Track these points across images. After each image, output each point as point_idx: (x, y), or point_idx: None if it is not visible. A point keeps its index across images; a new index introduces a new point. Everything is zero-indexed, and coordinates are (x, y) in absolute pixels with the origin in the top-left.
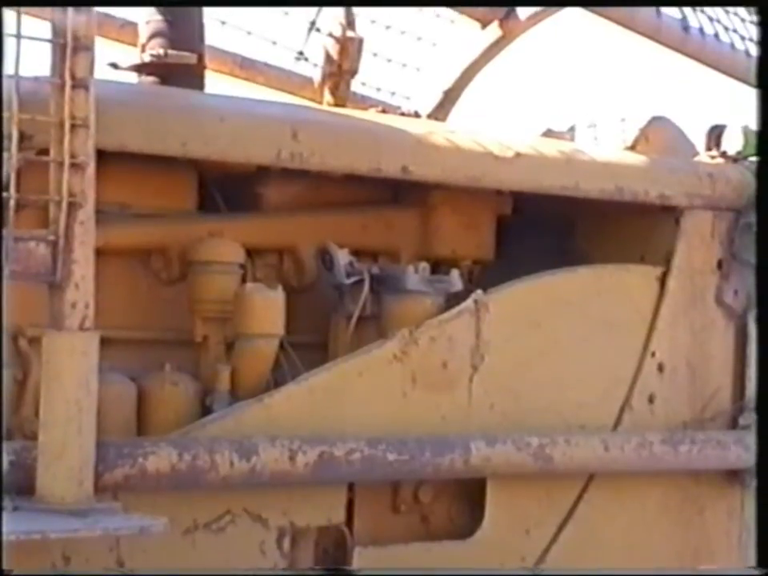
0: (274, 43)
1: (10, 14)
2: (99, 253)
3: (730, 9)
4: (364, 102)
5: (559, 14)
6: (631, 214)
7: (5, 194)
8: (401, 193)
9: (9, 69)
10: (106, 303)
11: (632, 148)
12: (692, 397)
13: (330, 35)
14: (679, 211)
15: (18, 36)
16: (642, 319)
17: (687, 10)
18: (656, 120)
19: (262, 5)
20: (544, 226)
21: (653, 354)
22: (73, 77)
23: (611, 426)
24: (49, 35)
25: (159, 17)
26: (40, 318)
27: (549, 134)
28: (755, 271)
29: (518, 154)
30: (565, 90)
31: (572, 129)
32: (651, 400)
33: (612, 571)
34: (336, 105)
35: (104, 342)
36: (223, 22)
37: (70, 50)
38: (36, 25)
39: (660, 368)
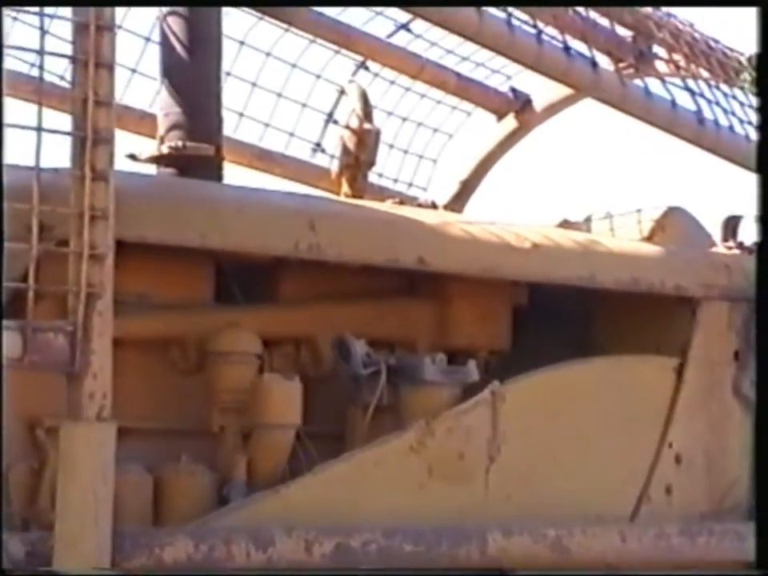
0: (292, 135)
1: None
2: (117, 343)
3: (745, 101)
4: (381, 193)
5: (575, 106)
6: (647, 304)
7: (24, 285)
8: (417, 283)
9: (30, 161)
10: (123, 393)
11: (648, 239)
12: (710, 488)
13: (347, 127)
14: (695, 302)
15: (39, 129)
16: (658, 410)
17: (702, 101)
18: (672, 211)
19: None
20: (560, 317)
21: (670, 445)
22: (93, 169)
23: (628, 517)
24: (69, 128)
25: (178, 109)
26: (57, 408)
27: (565, 224)
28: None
29: (534, 245)
30: (580, 180)
31: (588, 219)
32: (669, 491)
33: (611, 571)
34: (353, 196)
35: (121, 432)
36: (241, 114)
37: (90, 143)
38: (57, 117)
39: (677, 459)
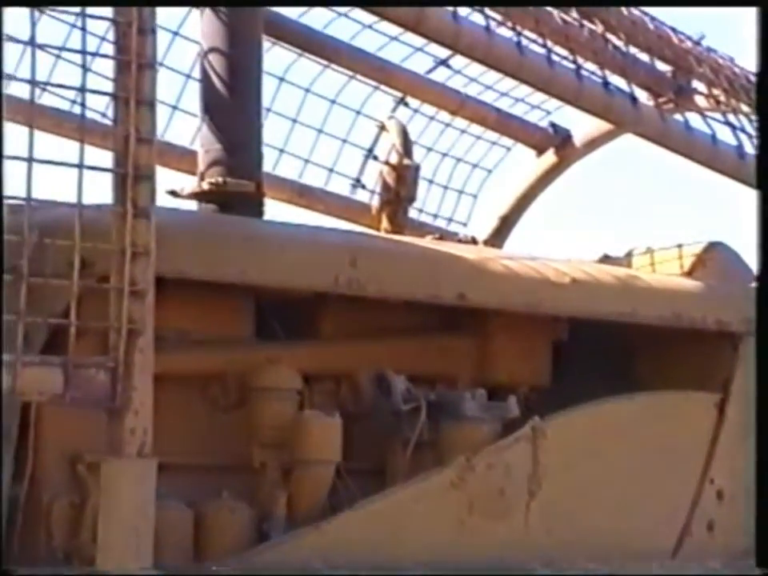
0: (332, 171)
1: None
2: (157, 379)
3: None
4: (421, 229)
5: (615, 141)
6: (689, 340)
7: (66, 321)
8: (458, 319)
9: (72, 198)
10: (163, 429)
11: (689, 274)
12: (752, 524)
13: (387, 163)
14: (737, 337)
15: (81, 166)
16: (700, 446)
17: (742, 136)
18: (713, 246)
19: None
20: (601, 352)
21: (711, 481)
22: (134, 206)
23: (670, 553)
24: (111, 165)
25: (218, 145)
26: (98, 444)
27: (605, 259)
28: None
29: (574, 280)
30: (621, 215)
31: (628, 254)
32: (710, 527)
33: (612, 571)
34: (393, 231)
35: (162, 468)
36: (281, 150)
37: (131, 180)
38: (99, 154)
39: (719, 495)
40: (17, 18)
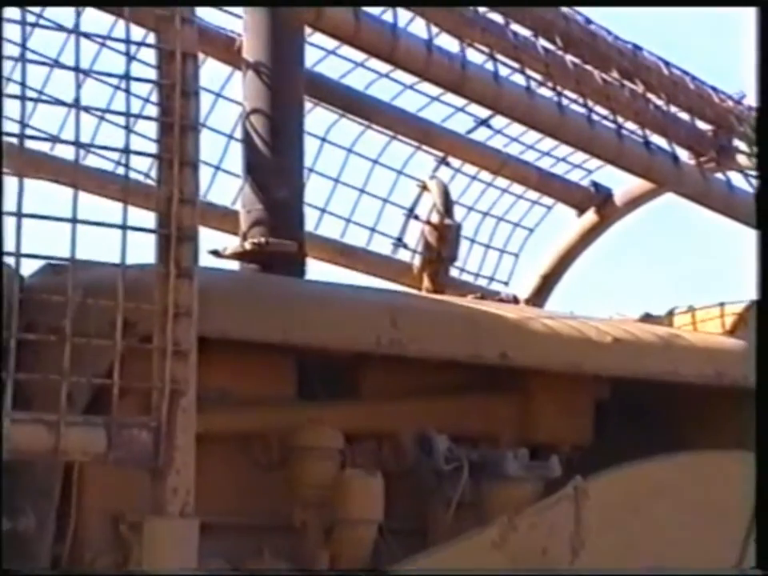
0: (373, 230)
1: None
2: (199, 438)
3: None
4: (462, 288)
5: (657, 200)
6: (731, 399)
7: (109, 381)
8: (499, 378)
9: (116, 258)
10: (206, 489)
11: (731, 332)
12: None
13: (429, 222)
14: None
15: (124, 227)
16: (743, 506)
17: None
18: (755, 304)
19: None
20: (643, 411)
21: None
22: (177, 266)
23: None
24: (154, 225)
25: (260, 205)
26: (140, 503)
27: (647, 318)
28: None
29: (616, 340)
30: (662, 273)
31: (670, 313)
32: None
33: (611, 571)
34: (435, 291)
35: (204, 528)
36: (323, 210)
37: (174, 240)
38: (142, 214)
39: None
40: (62, 80)
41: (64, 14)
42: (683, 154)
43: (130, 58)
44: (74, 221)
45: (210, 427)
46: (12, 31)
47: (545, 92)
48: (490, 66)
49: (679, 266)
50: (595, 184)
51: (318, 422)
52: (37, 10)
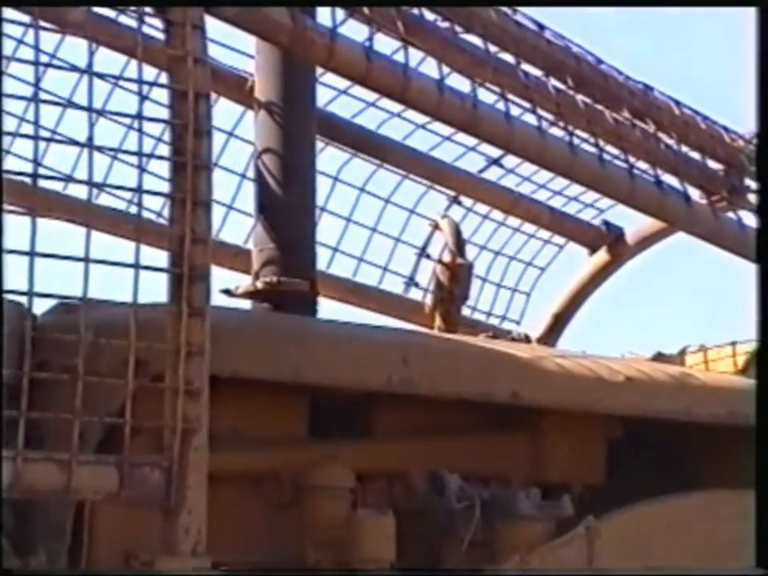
0: (385, 269)
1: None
2: (211, 477)
3: None
4: (474, 327)
5: (668, 239)
6: (744, 438)
7: (121, 420)
8: (511, 417)
9: (128, 297)
10: (218, 528)
11: (742, 372)
12: None
13: (440, 261)
14: None
15: (137, 266)
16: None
17: None
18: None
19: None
20: (656, 450)
21: None
22: (189, 305)
23: None
24: (166, 264)
25: (272, 244)
26: (152, 543)
27: (659, 357)
28: None
29: (628, 379)
30: (674, 312)
31: (682, 352)
32: None
33: (612, 571)
34: (447, 330)
35: (216, 567)
36: (335, 249)
37: (186, 280)
38: (154, 253)
39: None
40: (75, 120)
41: (77, 54)
42: (694, 193)
43: (143, 97)
44: (86, 260)
45: (222, 466)
46: (26, 72)
47: (556, 131)
48: (501, 105)
49: (691, 305)
50: (607, 223)
51: (329, 461)
52: (50, 50)
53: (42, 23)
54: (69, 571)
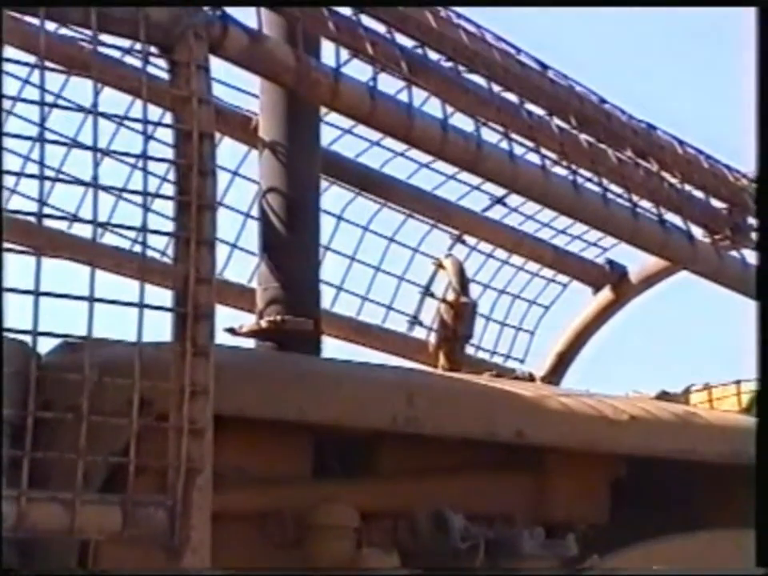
0: (389, 308)
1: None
2: (215, 517)
3: None
4: (478, 366)
5: (672, 277)
6: (749, 477)
7: (125, 460)
8: (515, 456)
9: (132, 336)
10: (221, 567)
11: (748, 410)
12: None
13: (444, 300)
14: None
15: (141, 305)
16: None
17: None
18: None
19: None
20: (660, 489)
21: None
22: (194, 344)
23: None
24: (170, 303)
25: (276, 283)
26: None
27: (663, 396)
28: None
29: (632, 418)
30: (678, 351)
31: (686, 391)
32: None
33: (612, 572)
34: (451, 369)
35: None
36: (339, 288)
37: (191, 319)
38: (158, 292)
39: None
40: (80, 159)
41: (82, 94)
42: (698, 232)
43: (148, 137)
44: (90, 299)
45: (226, 505)
46: (31, 111)
47: (560, 170)
48: (505, 144)
49: (695, 343)
50: (610, 262)
51: (333, 501)
52: (56, 89)
53: (48, 63)
54: (70, 571)
